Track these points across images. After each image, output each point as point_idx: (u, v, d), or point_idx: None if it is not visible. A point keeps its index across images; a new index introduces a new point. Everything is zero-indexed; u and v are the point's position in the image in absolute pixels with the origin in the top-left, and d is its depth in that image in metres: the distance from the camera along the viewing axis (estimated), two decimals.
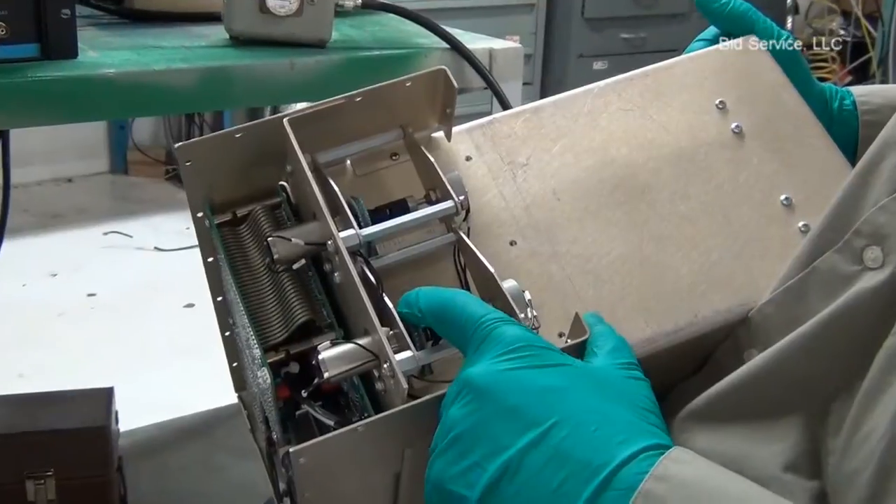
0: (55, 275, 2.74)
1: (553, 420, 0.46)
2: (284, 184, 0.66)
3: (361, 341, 0.54)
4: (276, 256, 0.59)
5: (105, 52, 0.97)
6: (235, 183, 0.66)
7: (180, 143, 0.62)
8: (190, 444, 1.58)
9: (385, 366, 0.52)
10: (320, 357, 0.54)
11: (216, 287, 0.71)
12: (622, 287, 0.62)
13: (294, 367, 0.60)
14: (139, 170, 3.57)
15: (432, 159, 0.63)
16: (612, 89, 0.70)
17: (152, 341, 2.36)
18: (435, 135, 0.69)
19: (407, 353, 0.53)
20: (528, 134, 0.68)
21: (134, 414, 1.64)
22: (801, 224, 0.65)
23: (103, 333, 2.40)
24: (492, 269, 0.56)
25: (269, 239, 0.59)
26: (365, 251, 0.59)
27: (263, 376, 0.59)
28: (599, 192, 0.66)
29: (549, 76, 3.62)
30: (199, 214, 0.67)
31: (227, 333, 0.73)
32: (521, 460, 0.46)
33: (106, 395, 1.49)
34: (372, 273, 0.57)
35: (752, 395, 0.54)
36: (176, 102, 0.97)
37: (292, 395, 0.58)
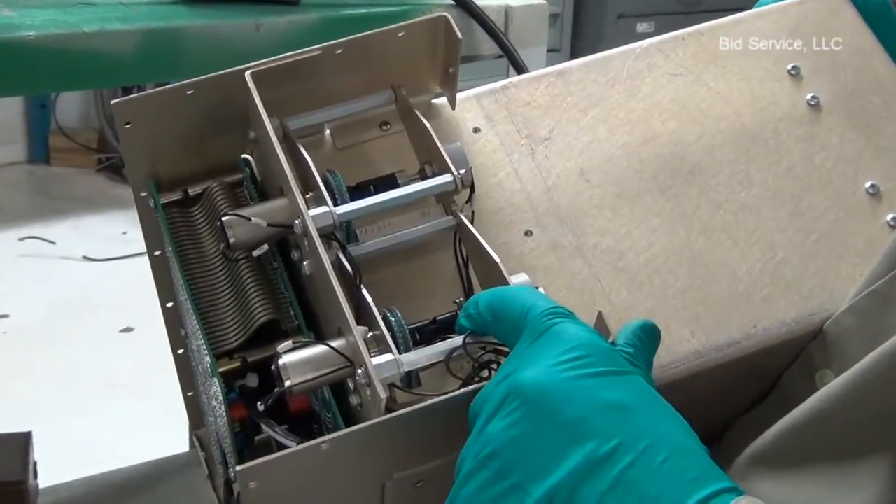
0: None
1: (616, 441, 0.48)
2: (248, 157, 0.68)
3: (333, 343, 0.55)
4: (231, 240, 0.61)
5: (23, 11, 0.98)
6: (187, 153, 0.68)
7: (117, 99, 0.64)
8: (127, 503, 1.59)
9: (360, 371, 0.54)
10: (280, 362, 0.55)
11: (166, 290, 0.72)
12: (663, 289, 0.64)
13: (252, 381, 0.62)
14: (64, 159, 3.60)
15: (428, 125, 0.65)
16: (659, 50, 0.73)
17: (80, 375, 2.37)
18: (436, 101, 0.71)
19: (387, 357, 0.54)
20: (551, 102, 0.71)
21: (57, 465, 1.65)
22: (889, 217, 0.67)
23: (18, 365, 2.41)
24: (497, 259, 0.58)
25: (225, 219, 0.61)
26: (342, 236, 0.61)
27: (215, 392, 0.61)
28: (639, 173, 0.68)
29: (581, 41, 3.61)
30: (143, 194, 0.69)
31: (179, 351, 0.75)
32: (574, 487, 0.47)
33: (22, 441, 1.50)
34: (349, 261, 0.59)
35: (827, 431, 0.56)
36: (111, 73, 0.98)
37: (250, 415, 0.60)
